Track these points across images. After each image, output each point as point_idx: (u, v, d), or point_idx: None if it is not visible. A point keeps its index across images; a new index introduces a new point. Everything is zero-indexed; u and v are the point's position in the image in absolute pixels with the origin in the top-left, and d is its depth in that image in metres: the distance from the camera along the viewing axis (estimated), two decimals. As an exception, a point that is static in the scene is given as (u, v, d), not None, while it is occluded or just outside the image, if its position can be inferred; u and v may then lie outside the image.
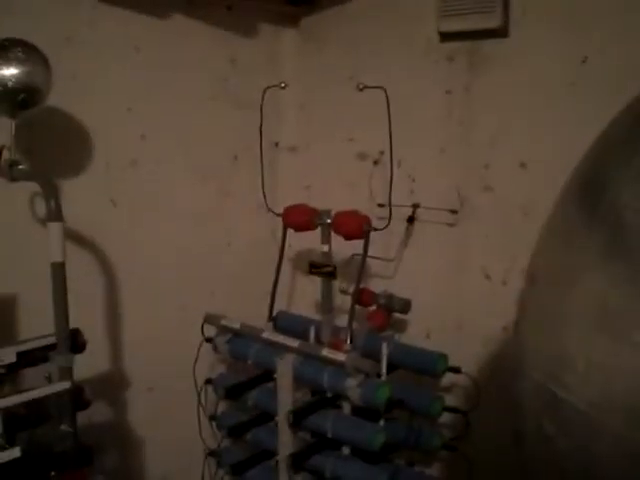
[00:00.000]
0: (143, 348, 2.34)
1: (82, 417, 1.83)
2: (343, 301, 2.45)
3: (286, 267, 2.59)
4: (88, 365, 1.93)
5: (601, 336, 0.79)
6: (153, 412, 2.41)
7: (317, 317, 2.39)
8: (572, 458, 0.99)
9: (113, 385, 2.34)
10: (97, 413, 2.12)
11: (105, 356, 2.31)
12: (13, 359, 1.71)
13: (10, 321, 2.03)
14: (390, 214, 2.21)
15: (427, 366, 2.16)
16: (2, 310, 2.00)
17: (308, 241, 2.43)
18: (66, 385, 1.64)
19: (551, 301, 0.95)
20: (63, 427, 1.71)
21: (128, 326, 2.35)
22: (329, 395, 2.07)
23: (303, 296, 2.74)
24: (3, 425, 1.55)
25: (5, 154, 1.84)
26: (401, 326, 2.50)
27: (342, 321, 2.29)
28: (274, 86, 2.36)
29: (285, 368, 2.04)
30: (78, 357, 1.79)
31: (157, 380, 2.42)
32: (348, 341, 2.13)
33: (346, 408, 2.07)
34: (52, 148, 2.09)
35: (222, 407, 2.37)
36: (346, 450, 2.08)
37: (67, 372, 1.72)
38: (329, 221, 2.20)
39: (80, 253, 2.17)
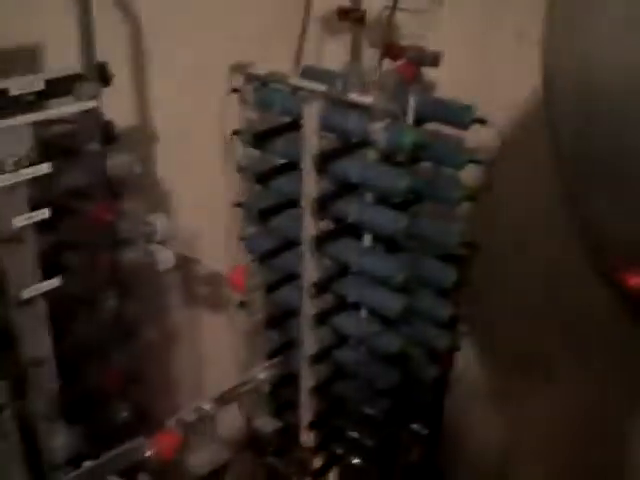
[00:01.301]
0: (169, 103, 2.34)
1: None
2: (372, 55, 2.38)
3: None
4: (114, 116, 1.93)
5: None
6: (180, 167, 2.45)
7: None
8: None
9: (139, 139, 2.35)
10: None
11: (131, 110, 2.31)
12: (41, 86, 1.71)
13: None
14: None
15: (454, 117, 2.14)
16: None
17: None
18: (93, 104, 1.64)
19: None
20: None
21: (152, 78, 2.32)
22: (354, 141, 2.08)
23: (332, 49, 2.67)
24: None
25: None
26: (429, 86, 2.47)
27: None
28: None
29: (311, 113, 2.03)
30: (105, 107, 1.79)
31: (183, 134, 2.43)
32: (375, 89, 2.09)
33: (371, 156, 2.09)
34: None
35: (247, 158, 2.39)
36: (369, 197, 2.12)
37: (94, 101, 1.72)
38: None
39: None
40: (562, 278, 2.51)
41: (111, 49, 1.89)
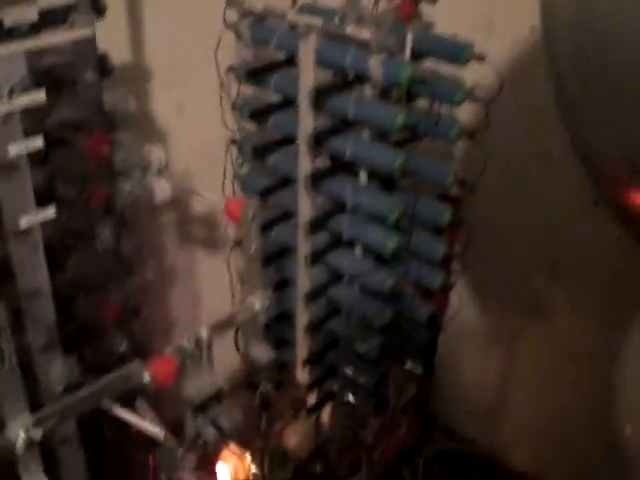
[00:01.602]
0: (166, 40, 2.31)
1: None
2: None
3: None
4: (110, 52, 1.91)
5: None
6: (175, 104, 2.44)
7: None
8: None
9: (134, 75, 2.34)
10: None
11: (126, 45, 2.29)
12: (35, 17, 1.69)
13: None
14: None
15: (452, 53, 2.12)
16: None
17: None
18: (87, 33, 1.62)
19: None
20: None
21: (149, 13, 2.30)
22: (351, 77, 2.06)
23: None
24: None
25: None
26: (427, 25, 2.43)
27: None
28: None
29: (308, 48, 2.02)
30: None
31: (180, 74, 2.42)
32: (372, 24, 2.07)
33: (368, 92, 2.08)
34: None
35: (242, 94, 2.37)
36: (365, 134, 2.12)
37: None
38: None
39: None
40: (553, 217, 2.53)
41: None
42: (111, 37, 1.84)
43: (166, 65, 2.38)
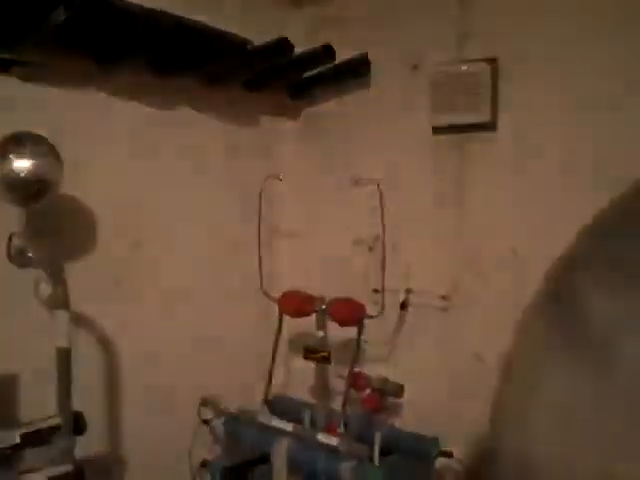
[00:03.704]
0: (140, 429, 2.38)
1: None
2: (338, 385, 2.50)
3: (282, 350, 2.65)
4: (85, 445, 1.96)
5: (558, 437, 0.87)
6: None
7: (313, 400, 2.44)
8: None
9: (110, 465, 2.36)
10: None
11: (102, 437, 2.35)
12: (17, 441, 1.76)
13: (11, 400, 2.07)
14: (383, 301, 2.29)
15: (420, 451, 2.20)
16: (4, 390, 2.05)
17: (304, 325, 2.49)
18: (68, 468, 1.68)
19: (521, 395, 1.03)
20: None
21: (125, 407, 2.39)
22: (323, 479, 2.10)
23: (299, 379, 2.79)
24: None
25: (15, 241, 1.92)
26: (395, 409, 2.55)
27: (338, 404, 2.34)
28: (273, 177, 2.47)
29: (280, 452, 2.08)
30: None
31: (154, 461, 2.45)
32: (342, 425, 2.17)
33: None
34: (59, 231, 2.17)
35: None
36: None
37: (69, 454, 1.76)
38: (324, 307, 2.27)
39: (80, 332, 2.21)
40: None
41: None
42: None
43: (140, 452, 2.41)
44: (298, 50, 2.53)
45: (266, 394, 2.41)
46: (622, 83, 2.07)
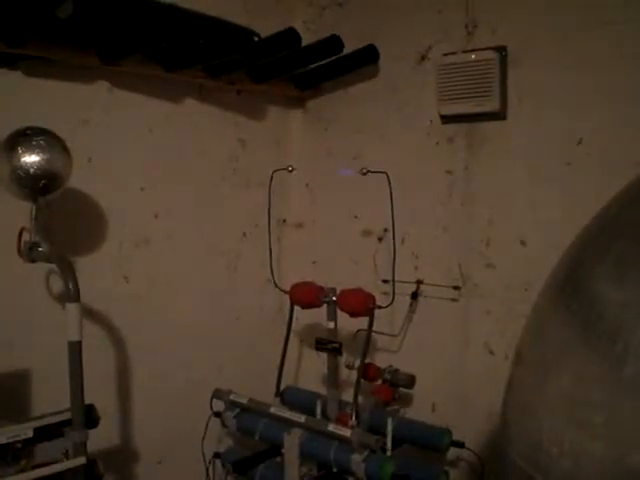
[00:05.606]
0: (153, 422, 2.39)
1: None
2: (349, 376, 2.50)
3: (293, 341, 2.66)
4: (99, 438, 1.97)
5: (569, 426, 0.86)
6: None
7: (324, 391, 2.44)
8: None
9: (123, 458, 2.37)
10: (107, 487, 2.16)
11: (116, 430, 2.36)
12: (30, 434, 1.76)
13: (25, 395, 2.08)
14: (394, 291, 2.29)
15: (431, 441, 2.20)
16: (18, 384, 2.06)
17: (315, 316, 2.50)
18: (81, 461, 1.68)
19: (532, 384, 1.03)
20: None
21: (138, 400, 2.39)
22: (335, 470, 2.10)
23: (310, 370, 2.79)
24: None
25: (25, 236, 1.92)
26: (406, 400, 2.54)
27: (348, 395, 2.34)
28: (282, 169, 2.46)
29: (292, 443, 2.09)
30: (91, 431, 1.84)
31: (166, 454, 2.46)
32: (354, 416, 2.17)
33: (353, 481, 2.11)
34: (69, 227, 2.17)
35: (230, 481, 2.39)
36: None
37: (82, 447, 1.77)
38: (335, 299, 2.27)
39: (92, 328, 2.23)
40: None
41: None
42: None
43: (153, 444, 2.42)
44: (305, 41, 2.51)
45: (278, 386, 2.41)
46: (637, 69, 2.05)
